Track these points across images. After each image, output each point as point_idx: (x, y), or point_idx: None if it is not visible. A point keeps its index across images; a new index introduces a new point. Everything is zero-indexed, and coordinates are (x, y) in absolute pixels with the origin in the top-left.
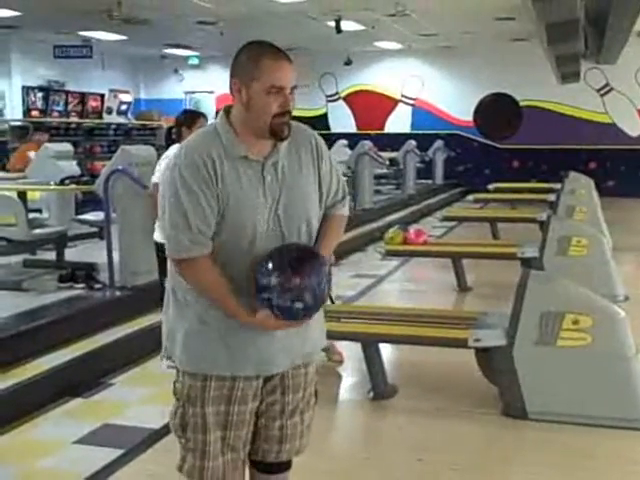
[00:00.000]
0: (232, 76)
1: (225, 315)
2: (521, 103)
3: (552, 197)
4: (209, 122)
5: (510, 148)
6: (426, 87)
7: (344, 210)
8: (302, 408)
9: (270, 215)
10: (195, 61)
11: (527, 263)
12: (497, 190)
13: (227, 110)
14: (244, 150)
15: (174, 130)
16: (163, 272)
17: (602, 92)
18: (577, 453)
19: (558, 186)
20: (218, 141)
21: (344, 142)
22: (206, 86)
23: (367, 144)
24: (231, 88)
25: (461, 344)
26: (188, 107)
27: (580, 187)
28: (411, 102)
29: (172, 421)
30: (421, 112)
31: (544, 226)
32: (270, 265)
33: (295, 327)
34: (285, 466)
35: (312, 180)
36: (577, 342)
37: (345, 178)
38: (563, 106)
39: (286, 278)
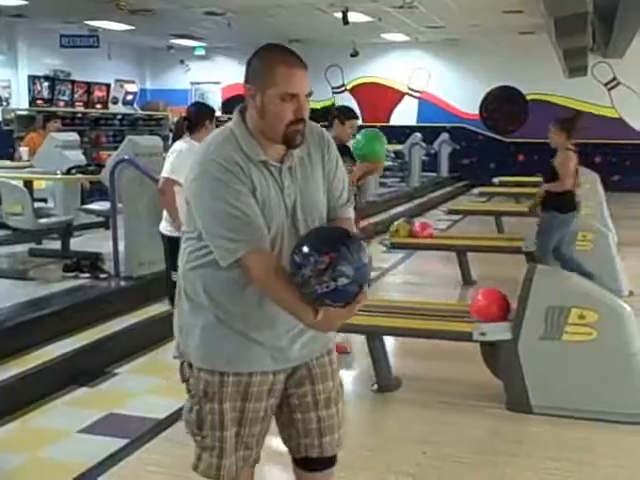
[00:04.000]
0: (246, 82)
1: (240, 312)
2: (528, 96)
3: None
4: (216, 113)
5: (516, 142)
6: (432, 80)
7: (349, 214)
8: (335, 398)
9: (289, 219)
10: (201, 51)
11: (532, 257)
12: (502, 184)
13: (241, 111)
14: (262, 154)
15: (187, 124)
16: (172, 266)
17: (609, 86)
18: (581, 448)
19: None
20: (237, 146)
21: None
22: (212, 77)
23: None
24: (246, 93)
25: (466, 337)
26: (196, 99)
27: (585, 181)
28: (417, 95)
29: (187, 418)
30: (427, 105)
31: None
32: (297, 259)
33: (363, 303)
34: (330, 462)
35: (322, 182)
36: (582, 337)
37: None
38: (570, 100)
39: (315, 262)
